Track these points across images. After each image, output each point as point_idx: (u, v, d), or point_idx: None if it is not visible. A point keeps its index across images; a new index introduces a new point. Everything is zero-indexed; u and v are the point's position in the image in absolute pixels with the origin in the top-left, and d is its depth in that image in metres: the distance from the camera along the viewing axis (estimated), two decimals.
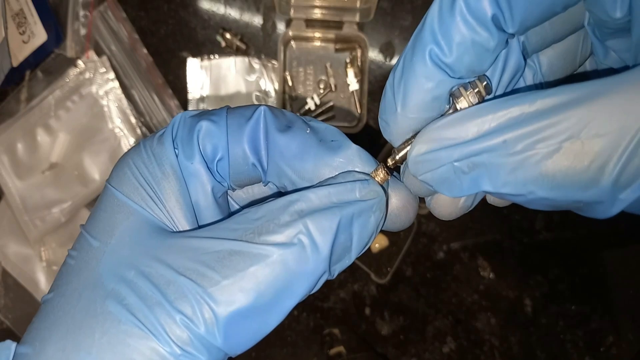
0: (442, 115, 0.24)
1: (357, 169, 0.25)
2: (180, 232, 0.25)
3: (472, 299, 0.76)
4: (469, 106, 0.23)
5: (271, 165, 0.26)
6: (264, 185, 0.28)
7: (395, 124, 0.25)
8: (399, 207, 0.26)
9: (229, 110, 0.26)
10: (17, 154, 0.77)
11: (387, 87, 0.25)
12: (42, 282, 0.79)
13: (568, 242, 0.75)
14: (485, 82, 0.24)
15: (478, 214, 0.76)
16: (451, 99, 0.24)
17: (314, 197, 0.23)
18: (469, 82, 0.24)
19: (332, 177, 0.25)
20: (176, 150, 0.25)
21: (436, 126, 0.23)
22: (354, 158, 0.25)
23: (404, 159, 0.25)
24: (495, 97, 0.25)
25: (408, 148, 0.25)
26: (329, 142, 0.26)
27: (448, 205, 0.26)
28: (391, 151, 0.26)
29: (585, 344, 0.76)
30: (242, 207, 0.29)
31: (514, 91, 0.27)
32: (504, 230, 0.76)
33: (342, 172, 0.25)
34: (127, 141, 0.76)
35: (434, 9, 0.23)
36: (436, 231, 0.76)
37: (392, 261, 0.75)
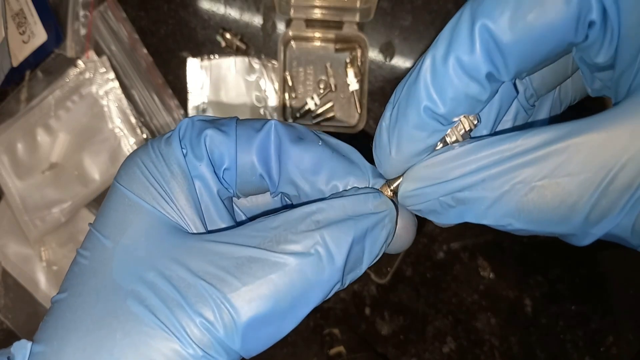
0: (433, 151, 0.25)
1: (368, 184, 0.26)
2: (197, 234, 0.25)
3: (472, 299, 0.76)
4: (456, 139, 0.24)
5: (284, 175, 0.26)
6: (273, 197, 0.28)
7: (389, 166, 0.26)
8: (400, 227, 0.27)
9: (238, 121, 0.27)
10: (17, 154, 0.77)
11: (383, 130, 0.26)
12: (42, 282, 0.79)
13: None
14: (475, 120, 0.25)
15: None
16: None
17: (329, 208, 0.24)
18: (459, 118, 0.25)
19: (344, 190, 0.26)
20: (184, 150, 0.25)
21: (423, 165, 0.24)
22: (365, 174, 0.26)
23: (396, 190, 0.26)
24: (489, 134, 0.26)
25: (400, 180, 0.26)
26: (341, 156, 0.26)
27: None
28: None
29: (585, 344, 0.76)
30: (250, 218, 0.30)
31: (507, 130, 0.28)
32: None
33: (353, 187, 0.26)
34: (127, 141, 0.76)
35: (426, 62, 0.23)
36: (436, 231, 0.76)
37: (392, 261, 0.75)
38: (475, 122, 0.24)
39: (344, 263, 0.23)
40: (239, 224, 0.26)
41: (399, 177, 0.26)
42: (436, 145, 0.25)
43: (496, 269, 0.76)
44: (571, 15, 0.21)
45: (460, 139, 0.24)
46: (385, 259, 0.75)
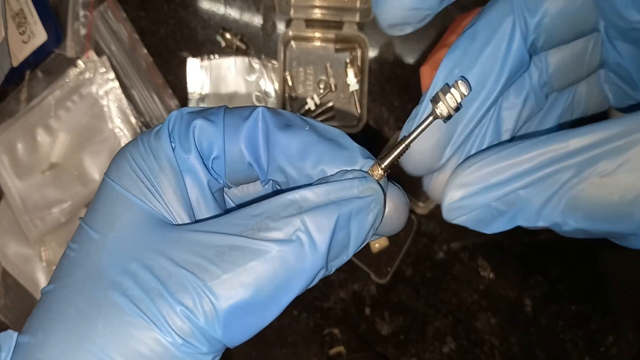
0: (422, 122, 0.25)
1: (356, 167, 0.25)
2: (180, 225, 0.25)
3: (472, 299, 0.76)
4: (448, 113, 0.24)
5: (272, 163, 0.26)
6: (263, 185, 0.28)
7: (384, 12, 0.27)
8: (391, 208, 0.26)
9: (226, 109, 0.27)
10: (17, 154, 0.77)
11: None
12: (42, 282, 0.79)
13: (568, 242, 0.75)
14: (464, 85, 0.24)
15: None
16: (431, 104, 0.25)
17: (312, 194, 0.24)
18: (447, 84, 0.25)
19: (330, 175, 0.25)
20: (173, 144, 0.26)
21: (467, 172, 0.24)
22: (353, 156, 0.26)
23: (390, 166, 0.26)
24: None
25: (394, 155, 0.26)
26: (329, 140, 0.26)
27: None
28: (384, 154, 0.26)
29: (585, 344, 0.76)
30: (239, 206, 0.30)
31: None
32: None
33: (340, 171, 0.25)
34: (127, 141, 0.76)
35: None
36: (436, 231, 0.76)
37: (392, 261, 0.75)
38: (466, 93, 0.24)
39: (326, 249, 0.23)
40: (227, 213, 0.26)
41: (389, 155, 0.26)
42: (417, 24, 0.25)
43: (496, 269, 0.76)
44: None
45: (452, 112, 0.24)
46: (385, 259, 0.75)
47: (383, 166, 0.25)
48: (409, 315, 0.76)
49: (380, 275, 0.75)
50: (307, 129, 0.26)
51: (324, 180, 0.25)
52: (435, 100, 0.25)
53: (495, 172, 0.22)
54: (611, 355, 0.75)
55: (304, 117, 0.27)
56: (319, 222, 0.23)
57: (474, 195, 0.23)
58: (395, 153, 0.26)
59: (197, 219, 0.26)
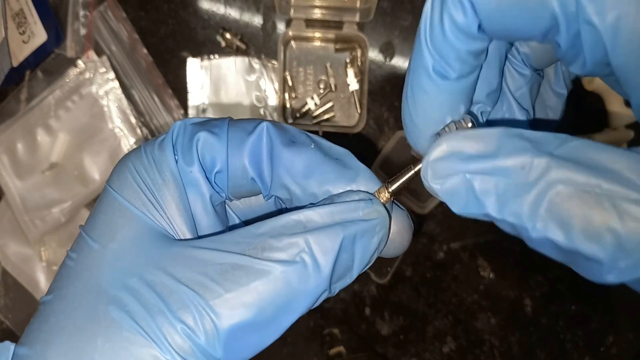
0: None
1: (361, 188, 0.25)
2: (182, 240, 0.25)
3: (472, 299, 0.76)
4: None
5: (275, 179, 0.26)
6: (266, 199, 0.28)
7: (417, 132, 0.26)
8: (394, 231, 0.26)
9: (230, 122, 0.26)
10: (17, 154, 0.77)
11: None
12: (42, 282, 0.79)
13: None
14: (470, 123, 0.24)
15: None
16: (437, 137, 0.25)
17: (316, 215, 0.23)
18: (453, 121, 0.24)
19: (335, 195, 0.25)
20: (176, 156, 0.25)
21: (460, 135, 0.22)
22: (358, 177, 0.25)
23: (397, 191, 0.25)
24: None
25: (402, 180, 0.25)
26: (334, 159, 0.26)
27: None
28: (393, 177, 0.26)
29: (585, 344, 0.76)
30: (245, 222, 0.29)
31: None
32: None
33: (346, 191, 0.25)
34: (127, 141, 0.76)
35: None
36: (436, 231, 0.76)
37: (392, 261, 0.75)
38: (469, 125, 0.24)
39: (330, 271, 0.23)
40: (232, 228, 0.25)
41: (397, 179, 0.25)
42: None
43: (496, 269, 0.76)
44: (540, 27, 0.21)
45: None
46: (385, 260, 0.75)
47: (391, 190, 0.25)
48: (409, 315, 0.76)
49: (380, 275, 0.75)
50: (312, 146, 0.26)
51: (329, 200, 0.25)
52: (439, 134, 0.25)
53: (484, 146, 0.21)
54: (611, 355, 0.75)
55: (309, 134, 0.27)
56: (323, 243, 0.23)
57: (455, 161, 0.21)
58: (405, 178, 0.25)
59: (198, 233, 0.26)
